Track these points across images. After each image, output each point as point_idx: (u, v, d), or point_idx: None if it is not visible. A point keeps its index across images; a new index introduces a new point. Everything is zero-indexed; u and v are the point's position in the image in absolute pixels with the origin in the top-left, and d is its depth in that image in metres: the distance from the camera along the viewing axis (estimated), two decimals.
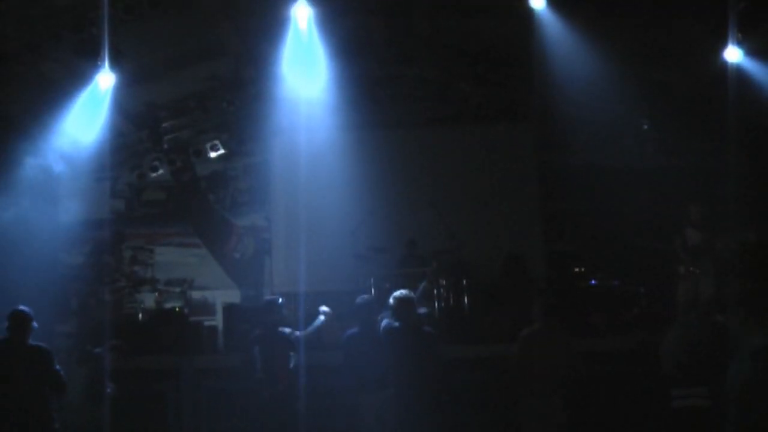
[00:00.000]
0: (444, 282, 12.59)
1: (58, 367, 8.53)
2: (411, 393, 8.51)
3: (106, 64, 11.80)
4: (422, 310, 9.26)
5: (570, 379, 8.81)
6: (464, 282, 12.70)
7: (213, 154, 15.61)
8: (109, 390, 9.52)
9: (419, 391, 8.51)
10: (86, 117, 12.67)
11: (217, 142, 15.54)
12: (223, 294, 14.93)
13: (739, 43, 11.60)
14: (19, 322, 8.43)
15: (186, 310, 13.60)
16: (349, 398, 9.47)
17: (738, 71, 11.80)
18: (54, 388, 8.50)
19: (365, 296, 9.99)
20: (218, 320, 13.67)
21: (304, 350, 9.69)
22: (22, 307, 8.52)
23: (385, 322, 8.98)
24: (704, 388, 8.24)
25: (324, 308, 10.08)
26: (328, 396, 10.45)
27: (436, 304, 12.45)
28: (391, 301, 8.91)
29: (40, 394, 8.39)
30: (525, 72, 14.10)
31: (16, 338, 8.41)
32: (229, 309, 13.21)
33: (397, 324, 8.76)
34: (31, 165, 13.05)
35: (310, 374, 9.62)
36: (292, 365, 9.48)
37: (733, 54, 11.71)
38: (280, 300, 10.12)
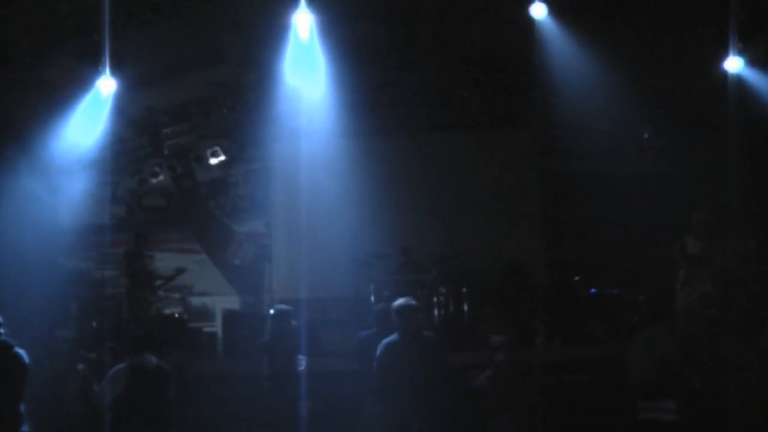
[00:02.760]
0: (444, 289, 12.58)
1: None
2: (414, 404, 8.00)
3: (108, 69, 11.82)
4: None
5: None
6: (464, 289, 12.69)
7: (214, 161, 15.62)
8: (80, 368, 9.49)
9: (422, 401, 8.03)
10: (87, 122, 12.67)
11: (217, 148, 15.54)
12: (222, 300, 14.94)
13: (740, 53, 11.64)
14: None
15: (185, 316, 13.57)
16: (350, 406, 9.42)
17: (738, 80, 11.83)
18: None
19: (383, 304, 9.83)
20: (218, 326, 13.67)
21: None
22: None
23: (371, 337, 8.79)
24: (671, 402, 8.15)
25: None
26: (328, 403, 10.40)
27: (436, 312, 12.45)
28: (393, 310, 8.38)
29: (12, 399, 8.33)
30: (526, 79, 14.07)
31: None
32: (228, 315, 13.22)
33: (393, 337, 8.22)
34: (31, 169, 13.06)
35: (311, 380, 9.50)
36: (302, 367, 9.29)
37: (734, 63, 11.75)
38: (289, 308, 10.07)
